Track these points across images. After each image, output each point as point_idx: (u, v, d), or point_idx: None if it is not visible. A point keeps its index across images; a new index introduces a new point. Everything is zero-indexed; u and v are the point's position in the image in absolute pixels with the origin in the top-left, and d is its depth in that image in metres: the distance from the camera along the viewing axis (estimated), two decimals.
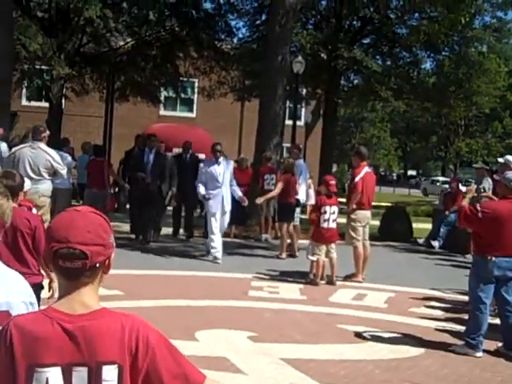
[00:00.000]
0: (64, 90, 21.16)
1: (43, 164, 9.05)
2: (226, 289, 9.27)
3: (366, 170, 10.57)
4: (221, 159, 11.46)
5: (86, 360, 1.91)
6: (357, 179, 10.38)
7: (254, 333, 6.93)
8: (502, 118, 51.67)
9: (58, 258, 1.93)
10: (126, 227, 13.99)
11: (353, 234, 10.41)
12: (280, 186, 12.28)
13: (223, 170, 11.36)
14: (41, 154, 9.08)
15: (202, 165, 12.14)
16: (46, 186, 9.24)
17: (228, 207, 11.44)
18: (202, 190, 11.37)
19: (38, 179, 8.98)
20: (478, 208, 6.63)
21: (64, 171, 9.46)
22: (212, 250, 11.36)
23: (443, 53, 25.99)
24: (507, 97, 48.31)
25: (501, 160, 10.85)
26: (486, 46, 28.45)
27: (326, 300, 8.92)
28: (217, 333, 6.93)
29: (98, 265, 1.97)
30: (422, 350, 6.68)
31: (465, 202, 6.84)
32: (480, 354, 6.56)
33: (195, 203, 14.62)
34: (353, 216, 10.43)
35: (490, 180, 12.93)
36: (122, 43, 22.22)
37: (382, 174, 69.88)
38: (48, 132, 9.61)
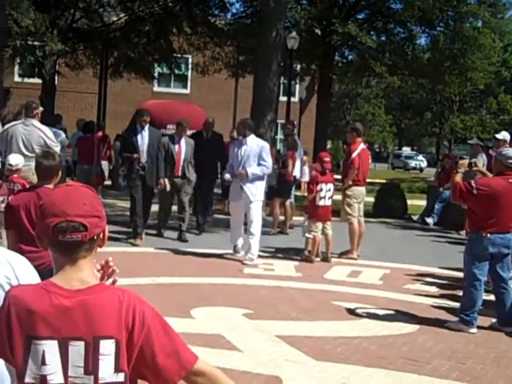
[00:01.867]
0: (57, 67, 21.02)
1: (36, 141, 8.98)
2: (221, 266, 9.27)
3: (361, 146, 10.57)
4: (246, 139, 9.61)
5: (82, 334, 1.91)
6: (354, 155, 10.38)
7: (250, 310, 6.94)
8: (496, 94, 51.51)
9: (57, 233, 1.93)
10: (121, 204, 13.99)
11: (348, 210, 10.41)
12: (291, 163, 12.55)
13: (244, 152, 9.52)
14: (34, 131, 9.01)
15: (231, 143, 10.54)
16: None
17: (251, 197, 9.51)
18: (226, 174, 9.93)
19: (31, 156, 8.89)
20: (473, 184, 6.60)
21: (57, 148, 9.38)
22: (247, 251, 9.62)
23: (438, 28, 25.91)
24: (502, 72, 48.17)
25: (499, 136, 10.88)
26: (481, 21, 28.37)
27: (321, 277, 8.93)
28: (212, 310, 6.94)
29: (95, 237, 1.98)
30: (416, 327, 6.70)
31: (458, 177, 6.79)
32: (474, 330, 6.59)
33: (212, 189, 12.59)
34: (348, 192, 10.43)
35: (484, 156, 12.93)
36: (115, 18, 22.08)
37: (377, 150, 69.80)
38: (41, 108, 9.52)
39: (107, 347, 1.91)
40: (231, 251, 10.03)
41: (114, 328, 1.92)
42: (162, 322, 2.02)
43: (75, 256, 1.96)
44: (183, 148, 11.06)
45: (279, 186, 12.74)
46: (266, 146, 9.83)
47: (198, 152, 11.36)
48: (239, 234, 9.94)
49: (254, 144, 9.61)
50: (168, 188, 10.82)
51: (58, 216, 1.92)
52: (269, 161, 9.65)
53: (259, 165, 9.51)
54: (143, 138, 10.48)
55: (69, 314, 1.90)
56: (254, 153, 9.49)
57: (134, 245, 10.39)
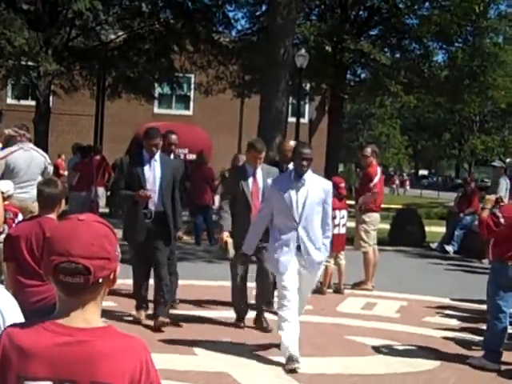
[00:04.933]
0: (52, 87, 21.17)
1: (38, 165, 9.01)
2: (225, 299, 9.23)
3: (379, 169, 10.69)
4: (305, 177, 6.51)
5: (80, 378, 1.88)
6: (376, 180, 10.46)
7: (258, 346, 6.91)
8: None
9: (59, 272, 1.90)
10: (121, 233, 13.99)
11: (365, 237, 10.41)
12: None
13: (305, 199, 6.43)
14: (35, 155, 9.06)
15: (270, 182, 7.11)
16: None
17: (313, 266, 6.56)
18: (250, 239, 6.90)
19: (31, 184, 8.92)
20: (498, 214, 6.62)
21: (51, 167, 9.48)
22: (284, 345, 6.31)
23: (456, 44, 25.98)
24: None
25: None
26: (502, 36, 28.44)
27: (333, 310, 8.90)
28: (217, 346, 6.91)
29: (101, 280, 1.93)
30: (437, 363, 6.65)
31: (485, 214, 6.80)
32: (499, 366, 6.54)
33: None
34: (366, 219, 10.43)
35: (507, 179, 12.92)
36: (113, 37, 22.27)
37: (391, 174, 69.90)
38: None
39: None
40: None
41: (115, 376, 1.89)
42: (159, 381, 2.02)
43: (79, 298, 1.93)
44: (260, 182, 7.73)
45: None
46: (331, 187, 6.80)
47: None
48: (297, 324, 6.44)
49: (317, 185, 6.54)
50: (231, 253, 7.65)
51: (61, 255, 1.89)
52: (330, 213, 6.84)
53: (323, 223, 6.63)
54: (153, 170, 7.66)
55: (68, 354, 1.88)
56: (318, 201, 6.51)
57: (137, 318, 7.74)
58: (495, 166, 14.29)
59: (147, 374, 1.95)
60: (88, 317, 1.94)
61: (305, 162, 6.41)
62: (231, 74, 24.39)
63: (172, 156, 8.67)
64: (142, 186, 7.52)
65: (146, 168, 7.64)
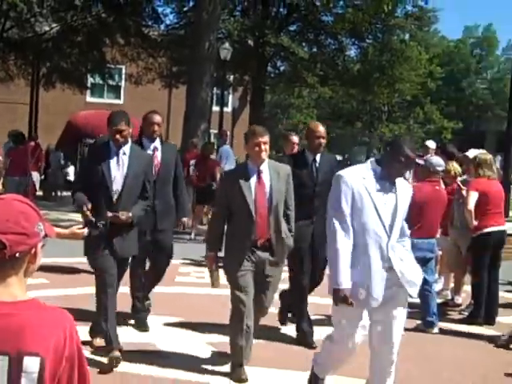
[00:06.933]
0: None
1: None
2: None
3: None
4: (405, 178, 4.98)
5: (7, 349, 1.84)
6: None
7: (181, 318, 6.91)
8: (423, 105, 52.81)
9: None
10: (55, 215, 13.80)
11: None
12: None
13: (396, 204, 4.41)
14: None
15: (342, 177, 4.32)
16: None
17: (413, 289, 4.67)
18: (343, 268, 4.30)
19: None
20: None
21: None
22: None
23: (367, 40, 26.35)
24: (428, 84, 49.36)
25: (431, 145, 11.54)
26: (408, 34, 29.00)
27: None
28: None
29: (18, 254, 1.89)
30: None
31: None
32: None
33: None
34: None
35: None
36: (47, 28, 21.75)
37: None
38: None
39: (31, 364, 1.84)
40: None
41: (42, 346, 1.86)
42: (83, 355, 1.99)
43: (0, 272, 1.90)
44: (267, 183, 5.40)
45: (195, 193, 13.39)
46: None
47: (301, 188, 5.98)
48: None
49: (403, 188, 4.53)
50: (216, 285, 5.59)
51: None
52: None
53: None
54: (121, 167, 5.60)
55: None
56: (406, 208, 4.53)
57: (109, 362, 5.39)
58: None
59: (71, 342, 1.92)
60: (13, 291, 1.91)
61: (407, 170, 4.50)
62: (160, 66, 24.19)
63: (158, 140, 6.65)
64: (107, 186, 5.48)
65: (113, 163, 5.57)
